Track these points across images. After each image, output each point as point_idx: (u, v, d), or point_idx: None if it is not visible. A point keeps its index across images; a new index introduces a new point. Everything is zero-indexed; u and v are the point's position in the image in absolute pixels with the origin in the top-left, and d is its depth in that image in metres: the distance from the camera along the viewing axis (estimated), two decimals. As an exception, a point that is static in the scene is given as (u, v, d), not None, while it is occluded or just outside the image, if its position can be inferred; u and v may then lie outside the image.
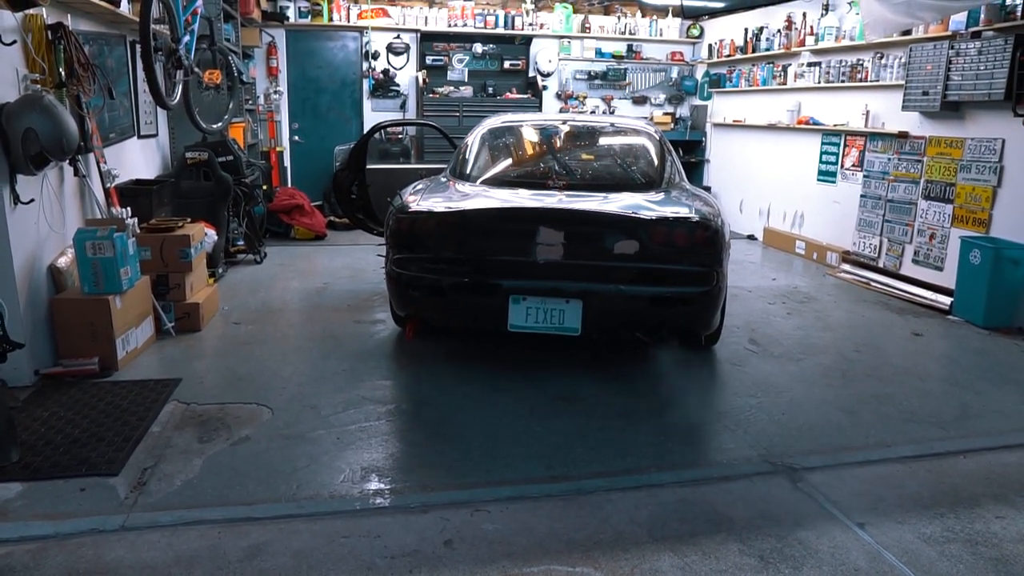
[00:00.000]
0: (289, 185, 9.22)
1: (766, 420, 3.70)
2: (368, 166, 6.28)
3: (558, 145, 5.06)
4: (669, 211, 3.95)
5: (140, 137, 5.89)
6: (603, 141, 5.23)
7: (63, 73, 4.13)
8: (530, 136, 5.20)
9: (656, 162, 4.69)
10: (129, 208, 4.89)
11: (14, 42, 3.73)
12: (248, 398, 3.81)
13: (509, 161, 4.96)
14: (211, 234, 5.72)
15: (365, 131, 9.49)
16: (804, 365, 4.52)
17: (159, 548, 2.55)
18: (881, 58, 6.80)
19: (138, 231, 4.69)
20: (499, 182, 4.46)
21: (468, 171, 4.68)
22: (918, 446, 3.48)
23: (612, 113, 10.11)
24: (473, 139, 5.02)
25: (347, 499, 2.89)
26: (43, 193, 4.04)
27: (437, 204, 4.07)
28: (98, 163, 4.72)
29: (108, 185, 4.80)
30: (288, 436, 3.41)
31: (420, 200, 4.12)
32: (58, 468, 3.06)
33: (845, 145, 7.39)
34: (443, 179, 4.70)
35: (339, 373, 4.19)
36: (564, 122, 5.33)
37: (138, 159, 5.87)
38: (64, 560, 2.47)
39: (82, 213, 4.62)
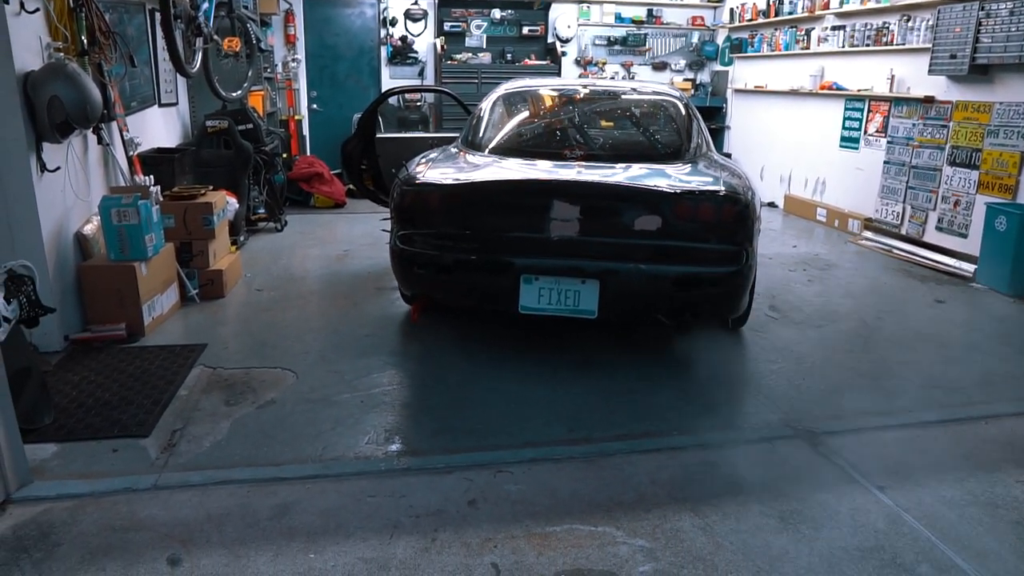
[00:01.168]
0: (308, 153, 9.23)
1: (786, 385, 3.70)
2: (378, 135, 5.97)
3: (576, 112, 4.81)
4: (695, 184, 3.70)
5: (161, 106, 5.91)
6: (625, 108, 4.99)
7: (85, 41, 4.15)
8: (547, 103, 4.91)
9: (682, 131, 4.42)
10: (152, 176, 4.93)
11: (37, 10, 3.74)
12: (273, 363, 3.88)
13: (524, 130, 4.69)
14: (232, 202, 5.75)
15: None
16: (825, 331, 4.51)
17: (191, 506, 2.62)
18: (908, 21, 6.64)
19: (161, 199, 4.74)
20: (512, 152, 4.21)
21: (480, 140, 4.41)
22: (940, 411, 3.48)
23: (632, 79, 9.98)
24: (486, 106, 4.72)
25: (372, 460, 2.95)
26: (68, 161, 4.09)
27: (445, 176, 3.85)
28: (121, 131, 4.75)
29: (131, 153, 4.84)
30: (313, 400, 3.47)
31: (427, 171, 3.90)
32: (91, 429, 3.14)
33: (869, 111, 7.26)
34: (453, 149, 4.45)
35: (361, 339, 4.24)
36: (583, 87, 5.08)
37: (159, 128, 5.90)
38: (100, 517, 2.55)
39: (106, 181, 4.67)
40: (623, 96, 5.06)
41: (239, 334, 4.35)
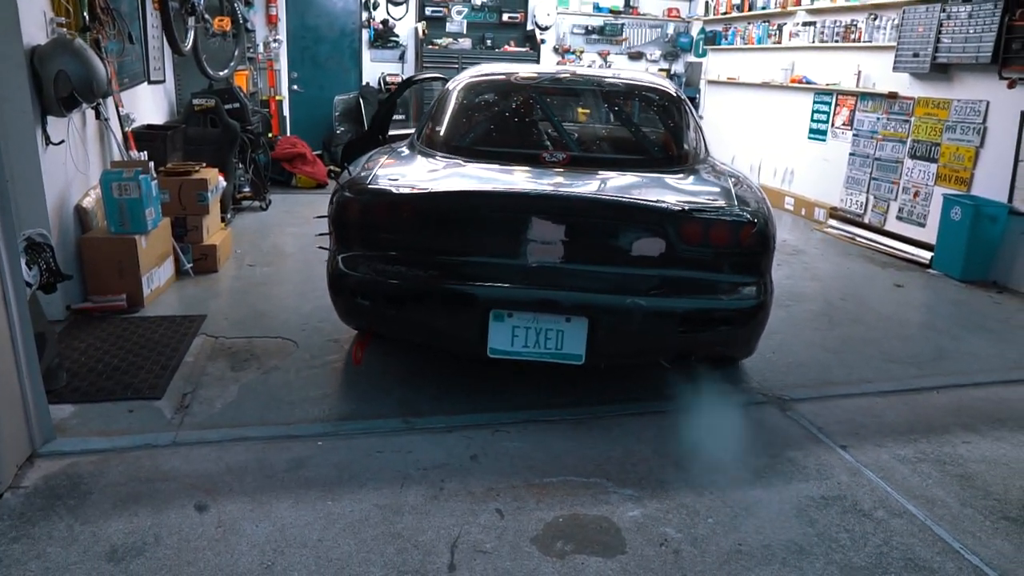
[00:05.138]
0: (288, 134, 9.29)
1: (757, 358, 3.94)
2: (392, 132, 4.90)
3: (556, 106, 4.18)
4: (704, 199, 3.14)
5: (150, 83, 5.97)
6: (613, 102, 4.31)
7: (87, 17, 4.23)
8: (520, 94, 4.11)
9: (679, 130, 3.84)
10: (145, 152, 5.02)
11: (43, -15, 3.83)
12: (272, 332, 4.04)
13: (494, 126, 4.01)
14: (220, 180, 5.85)
15: (362, 83, 9.58)
16: (792, 311, 4.81)
17: (210, 460, 2.80)
18: (875, 19, 6.97)
19: (156, 175, 4.83)
20: (478, 154, 3.54)
21: (439, 138, 3.72)
22: (896, 382, 3.79)
23: (608, 68, 10.20)
24: (449, 95, 3.98)
25: (377, 420, 3.15)
26: (70, 135, 4.18)
27: (396, 183, 3.17)
28: (117, 107, 4.84)
29: (126, 129, 4.93)
30: (314, 366, 3.66)
31: (373, 177, 3.24)
32: (104, 392, 3.29)
33: (836, 104, 7.60)
34: (406, 149, 3.81)
35: (356, 312, 4.41)
36: (563, 75, 4.34)
37: (149, 104, 5.96)
38: (125, 469, 2.71)
39: (102, 155, 4.76)
40: (611, 88, 4.26)
41: (236, 306, 4.49)
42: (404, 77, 9.34)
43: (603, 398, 3.42)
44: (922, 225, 6.43)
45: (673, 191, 3.21)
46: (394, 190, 3.12)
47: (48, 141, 3.92)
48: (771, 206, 3.32)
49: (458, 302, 3.04)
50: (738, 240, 3.03)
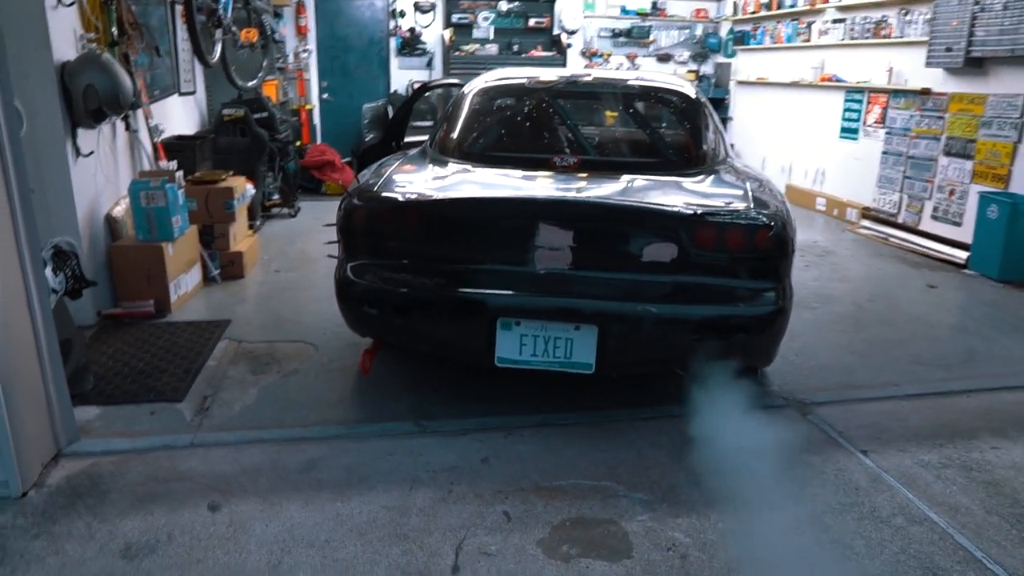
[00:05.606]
0: (319, 142, 9.43)
1: (780, 361, 3.83)
2: (407, 139, 4.84)
3: (570, 110, 4.13)
4: (720, 202, 3.04)
5: (180, 94, 6.12)
6: (628, 104, 4.23)
7: (115, 32, 4.36)
8: (533, 98, 4.02)
9: (697, 131, 3.74)
10: (175, 162, 5.15)
11: (72, 3, 3.96)
12: (294, 337, 4.10)
13: (504, 131, 3.97)
14: (249, 188, 5.96)
15: (390, 91, 9.69)
16: (819, 313, 4.71)
17: (226, 461, 2.85)
18: (906, 14, 6.82)
19: (184, 183, 4.95)
20: (489, 160, 3.51)
21: (451, 144, 3.69)
22: (923, 385, 3.69)
23: (633, 70, 10.14)
24: (461, 101, 3.95)
25: (390, 423, 3.18)
26: (99, 146, 4.31)
27: (402, 189, 3.14)
28: (146, 119, 4.97)
29: (155, 139, 5.06)
30: (333, 370, 3.70)
31: (382, 183, 3.22)
32: (128, 395, 3.38)
33: (868, 102, 7.44)
34: (419, 154, 3.81)
35: (377, 316, 4.45)
36: (577, 79, 4.29)
37: (179, 115, 6.11)
38: (144, 469, 2.78)
39: (132, 166, 4.89)
40: (626, 90, 4.20)
41: (260, 311, 4.57)
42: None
43: (618, 402, 3.40)
44: (958, 224, 6.25)
45: (687, 194, 3.14)
46: (400, 197, 3.09)
47: (78, 153, 4.04)
48: (799, 207, 3.29)
49: (465, 310, 2.99)
50: (754, 244, 2.92)
